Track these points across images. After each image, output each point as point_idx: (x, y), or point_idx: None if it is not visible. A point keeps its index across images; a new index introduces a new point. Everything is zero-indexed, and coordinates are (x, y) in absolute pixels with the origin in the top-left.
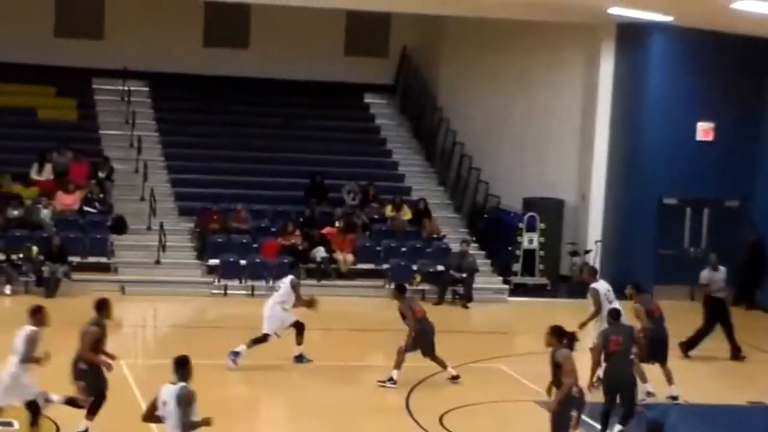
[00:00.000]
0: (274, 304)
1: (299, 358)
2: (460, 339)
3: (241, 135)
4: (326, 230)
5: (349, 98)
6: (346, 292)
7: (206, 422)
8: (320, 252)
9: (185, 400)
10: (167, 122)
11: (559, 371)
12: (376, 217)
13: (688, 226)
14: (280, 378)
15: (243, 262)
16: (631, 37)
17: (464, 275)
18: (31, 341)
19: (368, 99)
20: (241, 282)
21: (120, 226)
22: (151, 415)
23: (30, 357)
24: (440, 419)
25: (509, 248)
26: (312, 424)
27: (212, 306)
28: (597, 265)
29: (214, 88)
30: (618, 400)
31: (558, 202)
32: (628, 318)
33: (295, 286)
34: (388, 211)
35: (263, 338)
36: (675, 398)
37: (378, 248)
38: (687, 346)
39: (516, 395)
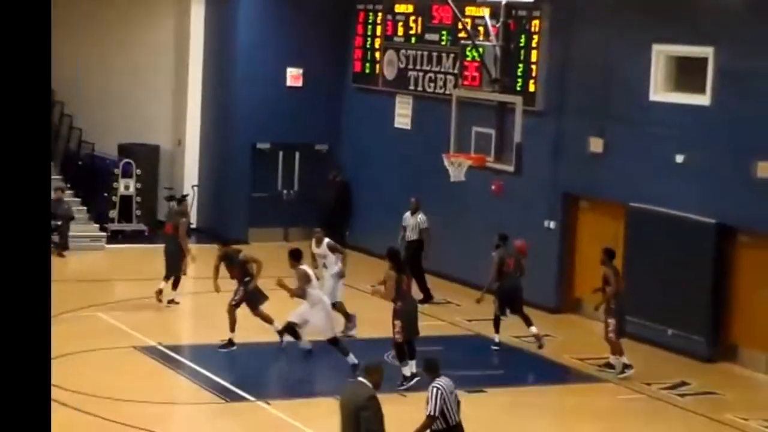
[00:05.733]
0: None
1: None
2: (56, 288)
3: None
4: None
5: None
6: None
7: None
8: None
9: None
10: None
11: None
12: None
13: (281, 170)
14: None
15: None
16: None
17: (59, 223)
18: None
19: None
20: None
21: None
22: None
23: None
24: None
25: (105, 195)
26: None
27: None
28: (194, 211)
29: None
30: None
31: (153, 148)
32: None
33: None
34: None
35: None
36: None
37: None
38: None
39: (115, 342)
